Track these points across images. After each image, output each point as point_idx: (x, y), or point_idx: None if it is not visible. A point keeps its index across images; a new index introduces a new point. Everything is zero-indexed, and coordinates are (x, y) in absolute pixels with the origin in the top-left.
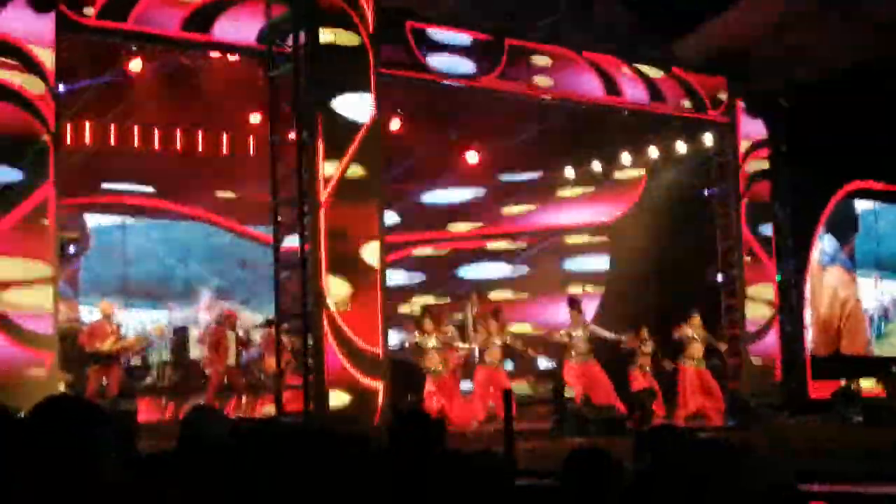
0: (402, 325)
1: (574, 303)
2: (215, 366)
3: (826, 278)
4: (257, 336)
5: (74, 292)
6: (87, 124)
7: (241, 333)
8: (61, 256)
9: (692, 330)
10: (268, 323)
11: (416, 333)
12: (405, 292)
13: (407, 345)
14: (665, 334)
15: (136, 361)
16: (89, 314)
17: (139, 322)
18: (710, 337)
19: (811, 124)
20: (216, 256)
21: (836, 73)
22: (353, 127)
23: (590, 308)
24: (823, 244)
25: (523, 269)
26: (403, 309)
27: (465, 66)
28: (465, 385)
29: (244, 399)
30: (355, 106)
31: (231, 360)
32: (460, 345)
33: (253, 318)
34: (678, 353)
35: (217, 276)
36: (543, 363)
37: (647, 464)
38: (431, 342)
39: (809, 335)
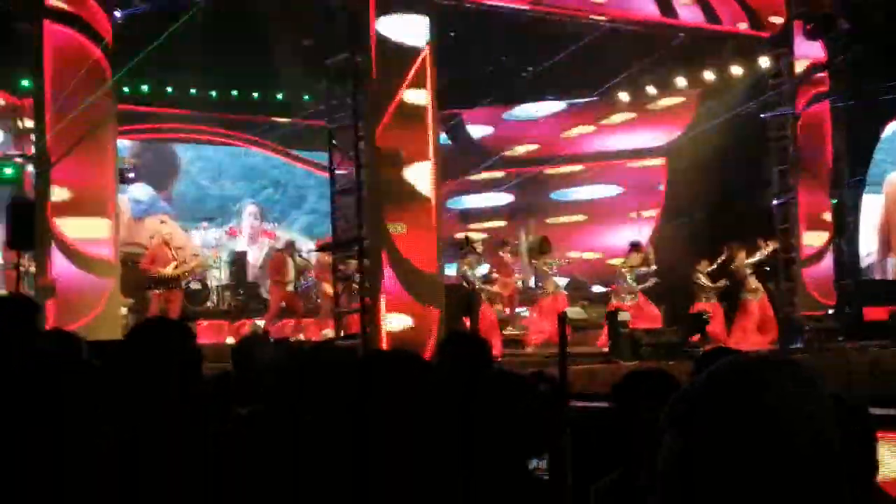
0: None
1: (636, 246)
2: (276, 290)
3: None
4: (313, 260)
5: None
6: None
7: (299, 259)
8: (121, 182)
9: (740, 261)
10: (324, 247)
11: (465, 262)
12: (463, 217)
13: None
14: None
15: (196, 285)
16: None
17: (196, 245)
18: (753, 263)
19: (870, 46)
20: (249, 177)
21: None
22: (410, 52)
23: (645, 232)
24: None
25: (580, 193)
26: (459, 234)
27: None
28: (526, 311)
29: (303, 323)
30: (412, 30)
31: (291, 286)
32: (516, 275)
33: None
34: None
35: (250, 195)
36: (598, 287)
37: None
38: (480, 270)
39: (872, 257)
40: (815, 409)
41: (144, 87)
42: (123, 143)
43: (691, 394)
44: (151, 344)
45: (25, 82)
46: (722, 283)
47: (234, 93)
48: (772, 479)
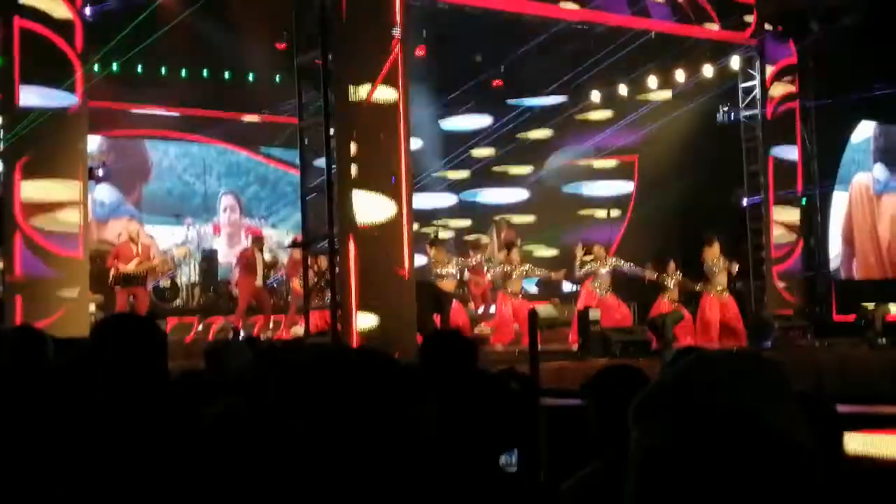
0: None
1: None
2: (245, 285)
3: (883, 205)
4: (284, 257)
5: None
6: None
7: (268, 256)
8: (90, 178)
9: (711, 255)
10: (294, 244)
11: (431, 261)
12: (430, 215)
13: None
14: (690, 259)
15: (165, 283)
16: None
17: (168, 242)
18: (723, 262)
19: (841, 50)
20: (233, 173)
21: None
22: (381, 52)
23: (614, 233)
24: (875, 173)
25: (547, 193)
26: (426, 231)
27: None
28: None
29: (272, 320)
30: (382, 31)
31: (259, 281)
32: (487, 274)
33: (279, 238)
34: (705, 280)
35: (237, 192)
36: (567, 286)
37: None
38: (448, 269)
39: (840, 259)
40: (780, 403)
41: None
42: (94, 139)
43: (658, 390)
44: (116, 340)
45: None
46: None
47: (205, 74)
48: (738, 474)
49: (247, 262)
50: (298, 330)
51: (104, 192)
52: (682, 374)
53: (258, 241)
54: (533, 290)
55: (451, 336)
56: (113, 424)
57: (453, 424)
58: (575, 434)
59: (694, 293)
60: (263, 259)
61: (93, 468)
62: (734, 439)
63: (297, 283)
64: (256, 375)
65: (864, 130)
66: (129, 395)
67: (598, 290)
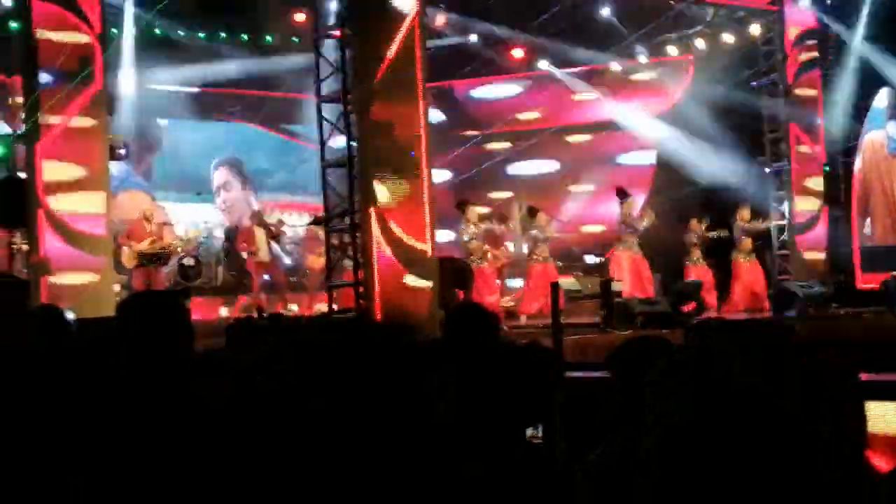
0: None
1: (622, 194)
2: (251, 262)
3: None
4: (301, 232)
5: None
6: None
7: (271, 227)
8: (111, 158)
9: (742, 222)
10: (315, 221)
11: (465, 219)
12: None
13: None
14: (716, 224)
15: (189, 261)
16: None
17: (187, 220)
18: (752, 227)
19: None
20: (244, 150)
21: None
22: (397, 22)
23: (638, 201)
24: (890, 130)
25: (570, 165)
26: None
27: None
28: (517, 282)
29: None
30: (398, 2)
31: (264, 256)
32: (508, 245)
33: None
34: (730, 245)
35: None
36: (591, 258)
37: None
38: (471, 231)
39: (867, 225)
40: (793, 380)
41: None
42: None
43: (674, 366)
44: (142, 319)
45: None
46: (714, 233)
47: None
48: (752, 453)
49: (246, 238)
50: (322, 307)
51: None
52: (697, 351)
53: (255, 215)
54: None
55: (472, 310)
56: (134, 404)
57: (476, 397)
58: (599, 407)
59: (722, 244)
60: (269, 229)
61: (112, 447)
62: (747, 420)
63: (311, 261)
64: (277, 355)
65: (885, 97)
66: (153, 375)
67: (622, 250)
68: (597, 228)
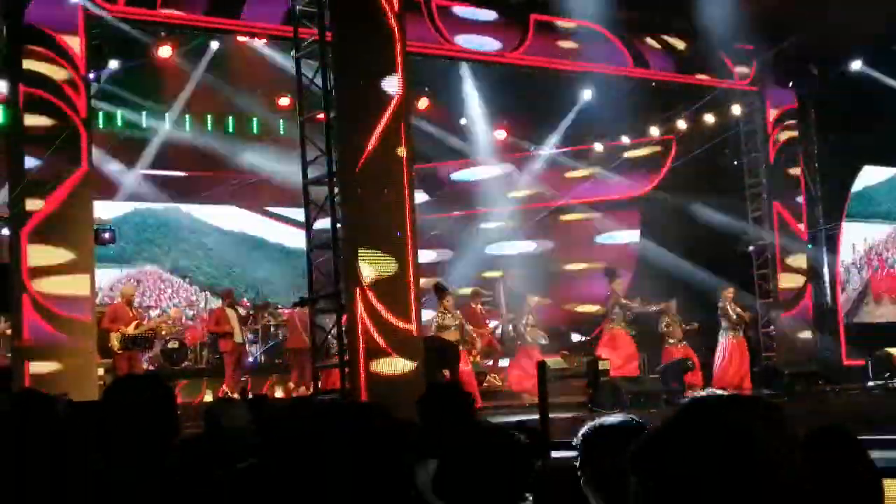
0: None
1: (611, 273)
2: (224, 344)
3: None
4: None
5: None
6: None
7: (241, 311)
8: (97, 243)
9: (727, 302)
10: (301, 302)
11: (440, 309)
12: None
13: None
14: (699, 306)
15: (173, 344)
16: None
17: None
18: (737, 309)
19: (842, 92)
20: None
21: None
22: (382, 106)
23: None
24: None
25: (551, 245)
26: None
27: (491, 42)
28: (504, 362)
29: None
30: (383, 86)
31: (238, 338)
32: (491, 323)
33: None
34: (716, 325)
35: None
36: (576, 337)
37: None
38: (449, 319)
39: (850, 302)
40: (779, 444)
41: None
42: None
43: (656, 436)
44: (129, 402)
45: None
46: (694, 326)
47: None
48: None
49: (218, 319)
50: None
51: None
52: (678, 422)
53: (227, 296)
54: (541, 341)
55: (446, 390)
56: (117, 490)
57: (455, 477)
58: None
59: (696, 334)
60: (237, 312)
61: None
62: (730, 479)
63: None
64: (257, 437)
65: (870, 175)
66: (140, 457)
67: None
68: (585, 307)
